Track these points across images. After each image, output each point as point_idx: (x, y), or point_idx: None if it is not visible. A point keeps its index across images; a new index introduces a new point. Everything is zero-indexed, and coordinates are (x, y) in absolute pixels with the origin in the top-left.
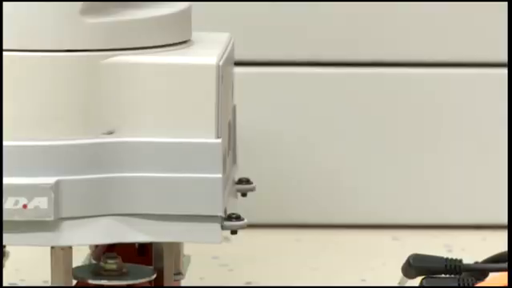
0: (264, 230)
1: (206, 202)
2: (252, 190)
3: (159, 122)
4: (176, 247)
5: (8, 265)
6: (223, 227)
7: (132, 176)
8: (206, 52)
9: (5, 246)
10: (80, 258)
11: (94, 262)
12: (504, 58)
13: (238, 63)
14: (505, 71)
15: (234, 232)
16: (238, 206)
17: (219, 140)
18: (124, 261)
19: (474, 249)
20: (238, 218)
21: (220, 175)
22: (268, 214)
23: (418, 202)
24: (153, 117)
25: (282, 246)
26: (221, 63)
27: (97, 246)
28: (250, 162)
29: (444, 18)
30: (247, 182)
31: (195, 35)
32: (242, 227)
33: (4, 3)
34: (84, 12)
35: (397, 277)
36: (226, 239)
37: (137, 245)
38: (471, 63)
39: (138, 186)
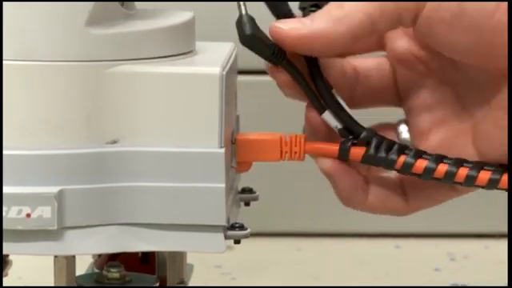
0: (266, 239)
1: (210, 211)
2: (255, 199)
3: (163, 131)
4: (179, 256)
5: (10, 273)
6: (226, 236)
7: (135, 185)
8: (210, 62)
9: (8, 255)
10: (83, 266)
11: (96, 270)
12: None
13: (241, 72)
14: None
15: (237, 241)
16: (241, 214)
17: (222, 150)
18: (127, 270)
19: (476, 257)
20: (242, 227)
21: (223, 185)
22: (270, 223)
23: (421, 210)
24: (156, 126)
25: (284, 254)
26: (224, 73)
27: (100, 255)
28: (253, 172)
29: None
30: (250, 191)
31: (199, 45)
32: (246, 236)
33: (10, 13)
34: (89, 23)
35: (400, 284)
36: (229, 248)
37: (140, 254)
38: None
39: (141, 196)
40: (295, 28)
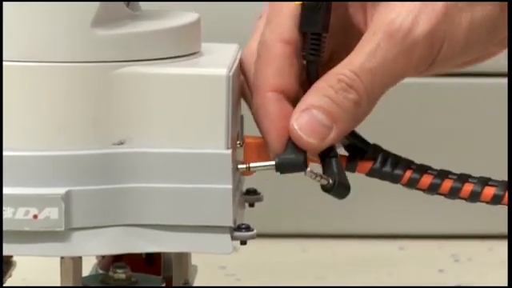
0: (270, 240)
1: (216, 212)
2: (259, 200)
3: (169, 132)
4: (184, 257)
5: (14, 274)
6: (233, 238)
7: (142, 186)
8: (216, 63)
9: (12, 256)
10: (87, 267)
11: (101, 271)
12: (503, 67)
13: None
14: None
15: (243, 242)
16: (246, 216)
17: (229, 151)
18: (131, 271)
19: (480, 259)
20: (248, 228)
21: (230, 186)
22: (274, 224)
23: (425, 211)
24: (163, 127)
25: (289, 255)
26: (231, 74)
27: (104, 256)
28: (257, 173)
29: None
30: (254, 192)
31: (204, 46)
32: (252, 237)
33: (16, 14)
34: (95, 24)
35: (403, 285)
36: (234, 249)
37: (144, 254)
38: (472, 73)
39: (148, 197)
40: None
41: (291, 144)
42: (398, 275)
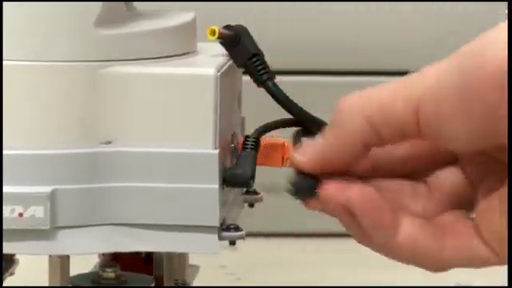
0: (270, 239)
1: (203, 212)
2: (259, 200)
3: (157, 132)
4: (178, 256)
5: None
6: (220, 238)
7: (129, 186)
8: (206, 63)
9: (14, 255)
10: (88, 266)
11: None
12: None
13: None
14: None
15: (232, 243)
16: (246, 215)
17: (216, 151)
18: (131, 270)
19: None
20: (237, 228)
21: (217, 186)
22: (274, 224)
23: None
24: (150, 127)
25: (288, 255)
26: (219, 74)
27: (104, 255)
28: (257, 173)
29: (444, 29)
30: (254, 192)
31: (202, 46)
32: (240, 238)
33: (11, 14)
34: (95, 24)
35: (403, 284)
36: (234, 248)
37: (143, 254)
38: None
39: (134, 196)
40: (305, 155)
41: (242, 159)
42: (398, 275)
